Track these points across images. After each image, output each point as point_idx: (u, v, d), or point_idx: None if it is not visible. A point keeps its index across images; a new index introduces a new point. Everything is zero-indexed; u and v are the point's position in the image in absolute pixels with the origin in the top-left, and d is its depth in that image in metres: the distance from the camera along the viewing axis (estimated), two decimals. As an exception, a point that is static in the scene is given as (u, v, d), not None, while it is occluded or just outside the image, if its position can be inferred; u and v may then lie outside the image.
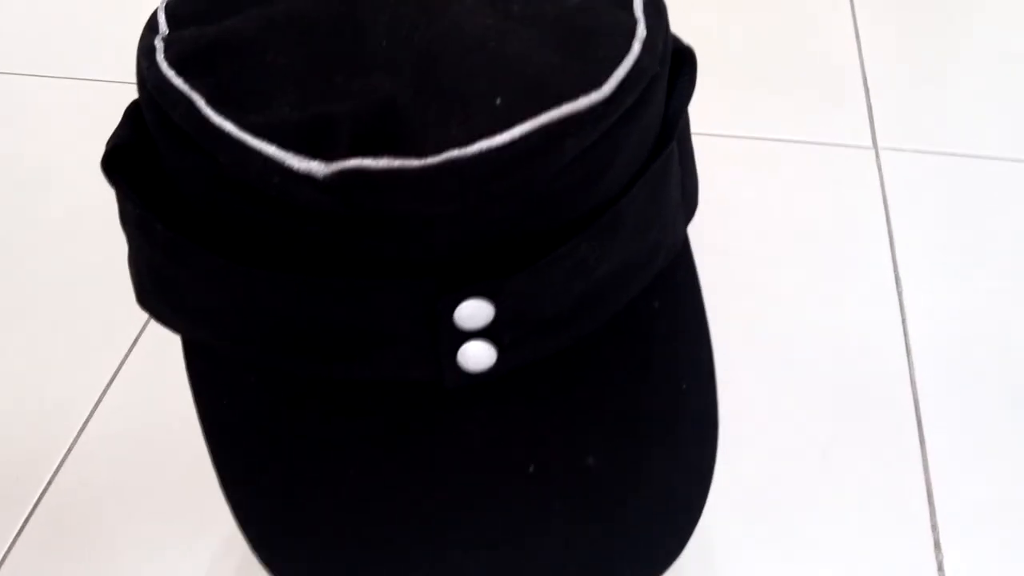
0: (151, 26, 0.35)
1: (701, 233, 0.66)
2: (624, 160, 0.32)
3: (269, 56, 0.32)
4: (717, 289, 0.62)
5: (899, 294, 0.63)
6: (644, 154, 0.34)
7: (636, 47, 0.31)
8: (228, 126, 0.28)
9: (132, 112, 0.35)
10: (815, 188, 0.71)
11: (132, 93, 0.79)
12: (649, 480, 0.34)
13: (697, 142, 0.74)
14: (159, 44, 0.32)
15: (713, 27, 0.87)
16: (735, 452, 0.53)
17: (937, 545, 0.49)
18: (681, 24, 0.87)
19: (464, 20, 0.33)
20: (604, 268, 0.33)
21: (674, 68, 0.37)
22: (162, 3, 0.36)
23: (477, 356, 0.32)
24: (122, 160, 0.33)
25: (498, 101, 0.28)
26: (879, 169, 0.72)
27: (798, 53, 0.84)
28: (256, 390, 0.34)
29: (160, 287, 0.34)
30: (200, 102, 0.29)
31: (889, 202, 0.69)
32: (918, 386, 0.57)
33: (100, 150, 0.70)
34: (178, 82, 0.30)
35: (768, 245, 0.66)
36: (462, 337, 0.31)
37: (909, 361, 0.59)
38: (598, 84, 0.29)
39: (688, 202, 0.40)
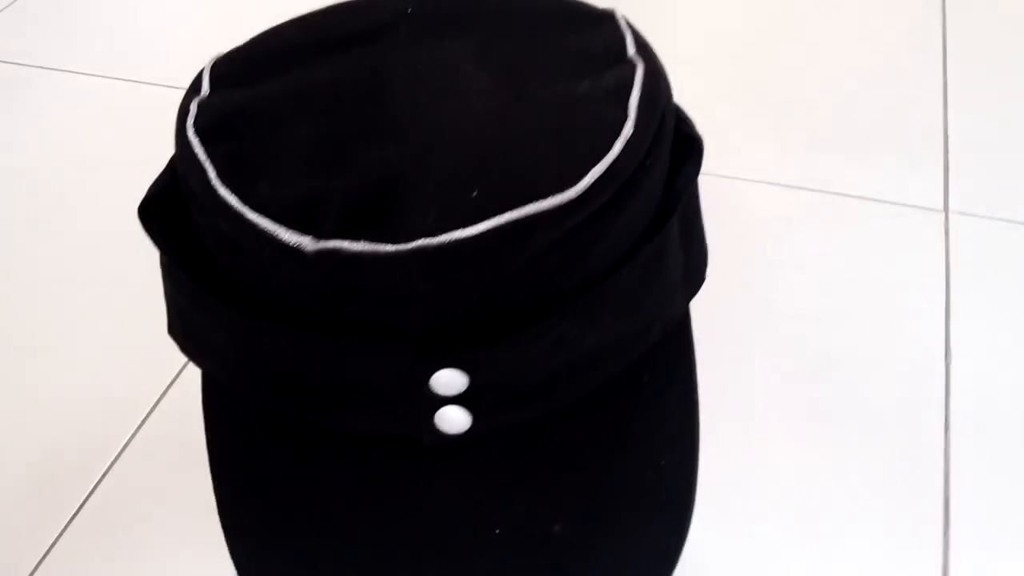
0: (195, 86, 0.38)
1: (750, 286, 0.66)
2: (611, 242, 0.34)
3: (288, 126, 0.35)
4: (758, 343, 0.62)
5: (947, 367, 0.61)
6: (637, 235, 0.35)
7: (617, 147, 0.32)
8: (231, 199, 0.31)
9: (173, 162, 0.39)
10: (876, 247, 0.70)
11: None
12: (611, 555, 0.35)
13: (758, 190, 0.74)
14: (193, 108, 0.36)
15: (794, 71, 0.87)
16: (750, 503, 0.53)
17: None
18: (760, 64, 0.87)
19: (476, 100, 0.35)
20: (589, 343, 0.35)
21: (681, 152, 0.38)
22: (211, 60, 0.40)
23: (453, 420, 0.34)
24: (158, 208, 0.37)
25: (475, 193, 0.30)
26: (946, 234, 0.71)
27: (880, 104, 0.83)
28: (254, 427, 0.37)
29: (182, 323, 0.37)
30: (212, 173, 0.32)
31: (952, 269, 0.68)
32: (952, 466, 0.56)
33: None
34: (198, 151, 0.33)
35: (817, 302, 0.65)
36: (439, 402, 0.33)
37: (946, 439, 0.58)
38: (572, 183, 0.31)
39: (693, 277, 0.41)
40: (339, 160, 0.33)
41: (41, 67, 0.91)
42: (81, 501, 0.55)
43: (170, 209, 0.38)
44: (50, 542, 0.53)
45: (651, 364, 0.38)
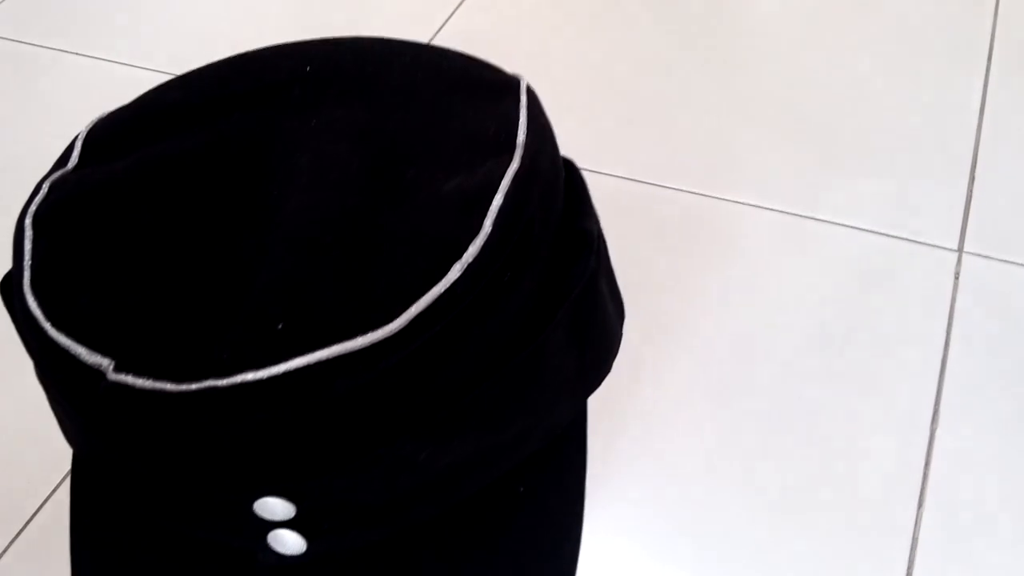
0: (64, 156, 0.37)
1: (752, 322, 0.63)
2: (464, 361, 0.32)
3: (128, 218, 0.33)
4: (740, 383, 0.59)
5: (932, 431, 0.57)
6: (505, 345, 0.33)
7: (454, 273, 0.30)
8: (36, 310, 0.30)
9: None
10: (881, 286, 0.65)
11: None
12: None
13: (770, 218, 0.70)
14: (45, 187, 0.35)
15: (819, 90, 0.81)
16: (716, 557, 0.51)
17: None
18: (781, 81, 0.81)
19: (336, 196, 0.33)
20: (442, 462, 0.33)
21: (571, 252, 0.36)
22: (89, 125, 0.39)
23: (287, 542, 0.32)
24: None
25: (280, 326, 0.29)
26: (956, 277, 0.65)
27: (907, 129, 0.77)
28: (113, 515, 0.36)
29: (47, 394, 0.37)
30: (26, 275, 0.31)
31: (956, 315, 0.63)
32: (919, 545, 0.52)
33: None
34: (27, 248, 0.32)
35: (812, 341, 0.61)
36: (268, 525, 0.32)
37: (918, 515, 0.54)
38: (388, 319, 0.29)
39: (588, 376, 0.38)
40: (159, 270, 0.32)
41: (59, 50, 0.92)
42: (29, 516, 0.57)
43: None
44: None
45: (528, 474, 0.36)
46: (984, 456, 0.56)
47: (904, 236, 0.68)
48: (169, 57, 0.90)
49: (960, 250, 0.67)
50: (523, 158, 0.34)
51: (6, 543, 0.56)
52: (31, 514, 0.57)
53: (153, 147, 0.37)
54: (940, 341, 0.61)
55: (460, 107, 0.38)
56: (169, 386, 0.28)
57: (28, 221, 0.34)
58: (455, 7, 0.92)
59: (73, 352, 0.29)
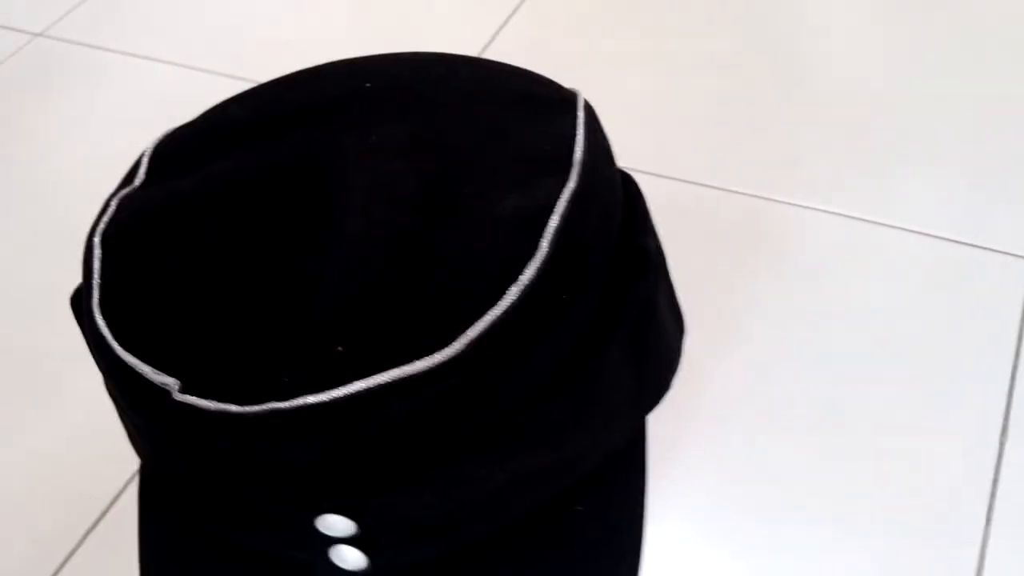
0: (131, 173, 0.38)
1: (815, 330, 0.62)
2: (522, 380, 0.32)
3: (195, 236, 0.34)
4: (799, 397, 0.58)
5: (1001, 445, 0.56)
6: (563, 364, 0.33)
7: (511, 295, 0.30)
8: (108, 335, 0.31)
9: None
10: (949, 293, 0.63)
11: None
12: None
13: (833, 222, 0.69)
14: (113, 205, 0.36)
15: (892, 98, 0.79)
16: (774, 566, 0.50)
17: None
18: (840, 79, 0.80)
19: (396, 215, 0.34)
20: (500, 479, 0.33)
21: (629, 270, 0.36)
22: (155, 140, 0.40)
23: (347, 558, 0.33)
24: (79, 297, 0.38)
25: (340, 349, 0.29)
26: (1028, 284, 0.63)
27: (973, 126, 0.75)
28: (179, 526, 0.37)
29: (115, 403, 0.38)
30: (95, 294, 0.32)
31: (1028, 329, 0.61)
32: (986, 561, 0.51)
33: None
34: (95, 268, 0.33)
35: (878, 349, 0.60)
36: (330, 540, 0.32)
37: (986, 532, 0.52)
38: (445, 342, 0.29)
39: (647, 395, 0.38)
40: (223, 290, 0.32)
41: (121, 52, 0.94)
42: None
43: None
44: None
45: (586, 493, 0.36)
46: (1056, 472, 0.54)
47: (974, 242, 0.66)
48: (232, 60, 0.91)
49: None
50: (580, 177, 0.34)
51: (79, 538, 0.57)
52: (103, 510, 0.59)
53: (217, 165, 0.37)
54: (1011, 351, 0.60)
55: (517, 124, 0.38)
56: (233, 408, 0.29)
57: (97, 240, 0.35)
58: (508, 15, 0.92)
59: (139, 371, 0.30)
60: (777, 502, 0.54)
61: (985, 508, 0.53)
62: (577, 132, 0.36)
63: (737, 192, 0.72)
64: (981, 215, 0.68)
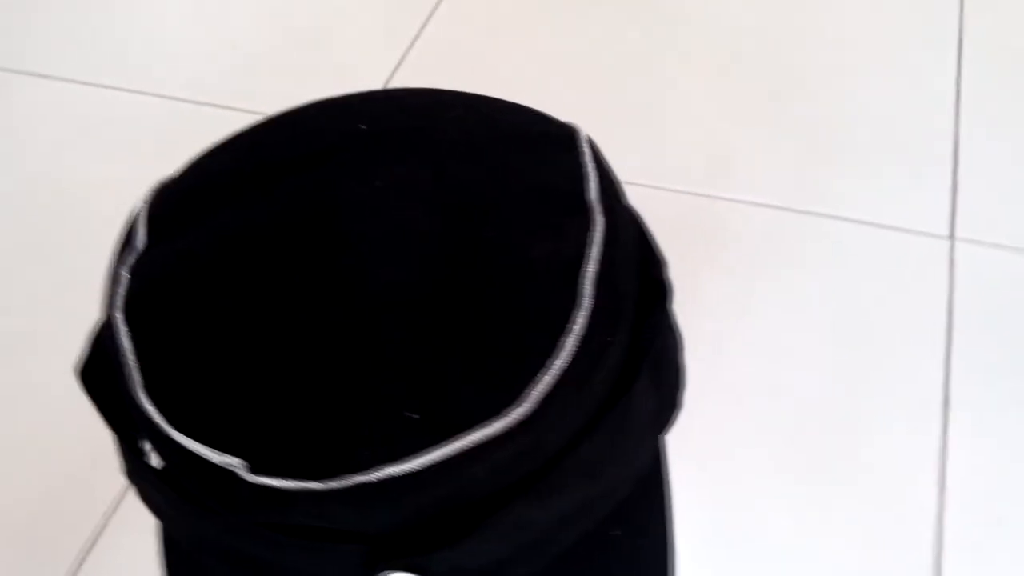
0: (130, 236, 0.36)
1: (754, 319, 0.65)
2: (566, 426, 0.33)
3: (221, 302, 0.33)
4: (740, 385, 0.61)
5: (944, 422, 0.60)
6: (594, 407, 0.34)
7: (569, 347, 0.31)
8: (160, 421, 0.30)
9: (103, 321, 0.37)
10: (875, 277, 0.67)
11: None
12: None
13: (754, 212, 0.72)
14: (125, 276, 0.34)
15: (797, 83, 0.83)
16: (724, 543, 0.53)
17: None
18: (762, 77, 0.83)
19: (426, 262, 0.34)
20: (547, 518, 0.34)
21: (648, 302, 0.37)
22: (148, 197, 0.38)
23: None
24: (96, 373, 0.36)
25: (414, 416, 0.29)
26: (951, 263, 0.68)
27: (887, 119, 0.79)
28: None
29: (136, 484, 0.37)
30: (135, 376, 0.31)
31: (955, 303, 0.66)
32: (945, 534, 0.55)
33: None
34: (126, 349, 0.32)
35: (808, 339, 0.64)
36: None
37: (941, 501, 0.57)
38: (515, 399, 0.29)
39: (664, 414, 0.39)
40: (266, 359, 0.32)
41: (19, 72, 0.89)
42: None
43: (107, 374, 0.37)
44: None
45: (620, 518, 0.37)
46: (1000, 433, 0.59)
47: (896, 226, 0.71)
48: (145, 75, 0.88)
49: (952, 237, 0.70)
50: (605, 219, 0.35)
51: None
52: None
53: (220, 220, 0.36)
54: (943, 325, 0.64)
55: (522, 161, 0.38)
56: (316, 485, 0.28)
57: (119, 316, 0.33)
58: (427, 17, 0.91)
59: (201, 455, 0.30)
60: (730, 485, 0.57)
61: (938, 474, 0.57)
62: (587, 169, 0.37)
63: (668, 189, 0.75)
64: (899, 200, 0.72)
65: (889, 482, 0.57)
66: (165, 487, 0.33)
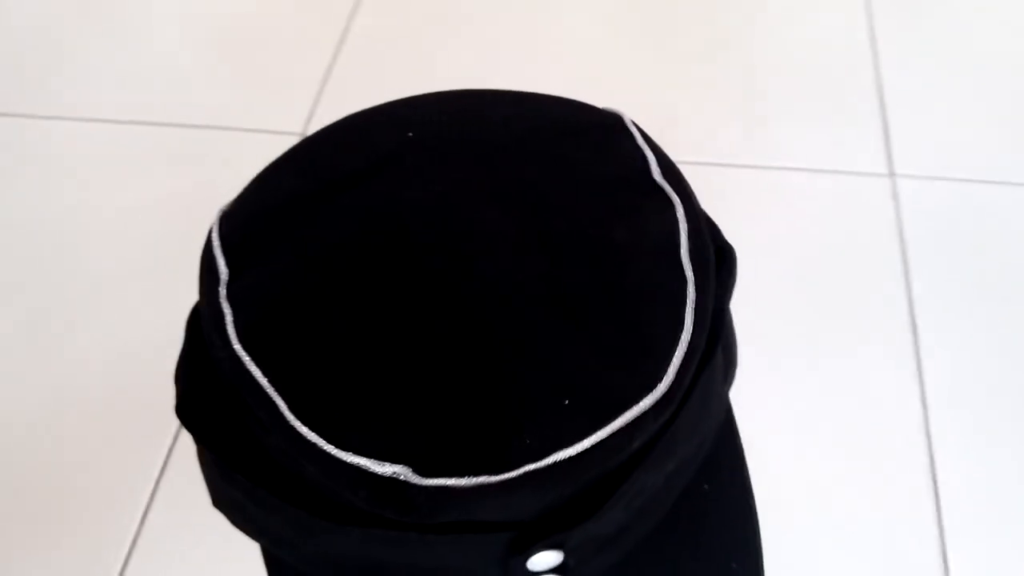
0: (210, 266, 0.36)
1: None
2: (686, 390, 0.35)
3: (335, 323, 0.33)
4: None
5: (916, 341, 0.65)
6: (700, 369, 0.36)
7: (689, 319, 0.32)
8: (318, 440, 0.30)
9: (191, 357, 0.37)
10: (827, 221, 0.72)
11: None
12: None
13: (699, 171, 0.75)
14: (227, 310, 0.34)
15: (720, 47, 0.87)
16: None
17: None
18: (688, 43, 0.87)
19: (514, 260, 0.35)
20: (658, 481, 0.36)
21: (720, 267, 0.39)
22: (216, 224, 0.38)
23: None
24: (194, 405, 0.36)
25: (566, 403, 0.30)
26: (895, 198, 0.74)
27: (809, 71, 0.84)
28: None
29: (239, 512, 0.37)
30: (283, 407, 0.31)
31: (906, 235, 0.71)
32: (933, 442, 0.60)
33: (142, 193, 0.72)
34: (260, 378, 0.32)
35: (773, 287, 0.68)
36: (531, 574, 0.34)
37: (925, 416, 0.62)
38: (657, 376, 0.31)
39: (730, 369, 0.42)
40: (401, 369, 0.32)
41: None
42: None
43: (205, 401, 0.36)
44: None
45: (708, 473, 0.40)
46: (967, 343, 0.64)
47: (838, 169, 0.76)
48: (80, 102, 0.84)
49: (892, 174, 0.75)
50: (679, 196, 0.37)
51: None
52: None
53: (297, 242, 0.36)
54: (898, 257, 0.70)
55: (577, 151, 0.39)
56: (491, 479, 0.29)
57: (238, 347, 0.33)
58: (352, 10, 0.91)
59: (365, 468, 0.30)
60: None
61: (919, 392, 0.63)
62: (644, 150, 0.39)
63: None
64: (835, 144, 0.77)
65: (874, 404, 0.62)
66: (291, 508, 0.33)
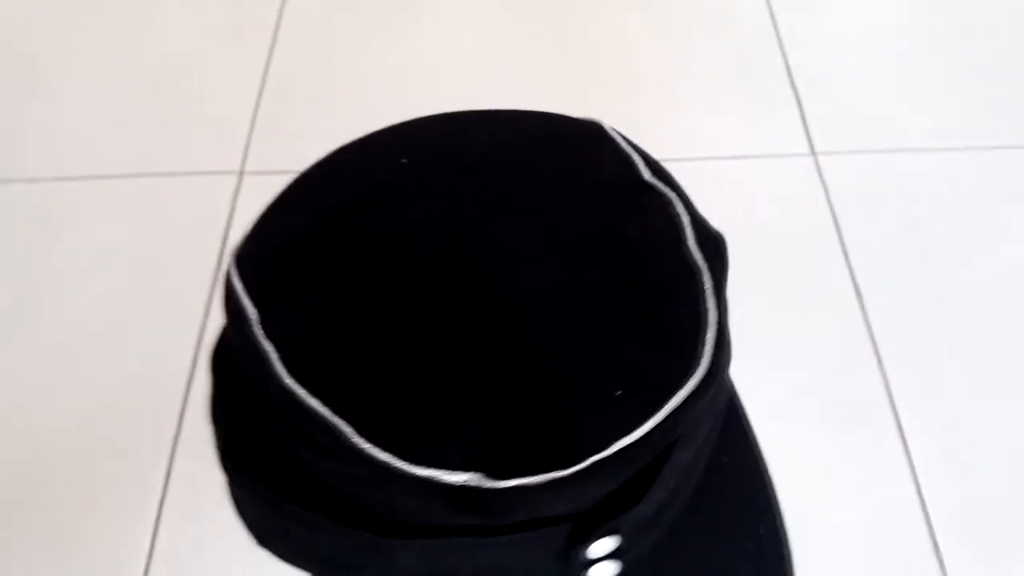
0: (234, 311, 0.36)
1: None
2: None
3: (381, 347, 0.34)
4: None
5: (861, 306, 0.70)
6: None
7: (711, 303, 0.35)
8: (389, 459, 0.31)
9: (226, 394, 0.37)
10: (760, 203, 0.76)
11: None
12: None
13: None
14: (271, 352, 0.34)
15: (632, 45, 0.90)
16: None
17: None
18: (595, 41, 0.90)
19: (539, 265, 0.36)
20: (689, 456, 0.38)
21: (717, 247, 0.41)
22: (233, 265, 0.37)
23: (603, 572, 0.36)
24: (239, 448, 0.36)
25: (618, 392, 0.32)
26: (820, 174, 0.78)
27: (719, 60, 0.88)
28: None
29: (293, 545, 0.37)
30: (349, 432, 0.32)
31: (836, 209, 0.75)
32: (892, 389, 0.65)
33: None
34: (319, 408, 0.32)
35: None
36: (589, 563, 0.36)
37: (881, 367, 0.66)
38: (695, 360, 0.33)
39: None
40: (460, 376, 0.33)
41: None
42: None
43: (249, 440, 0.37)
44: None
45: (724, 444, 0.42)
46: (908, 301, 0.69)
47: (764, 153, 0.80)
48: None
49: (813, 153, 0.80)
50: (673, 192, 0.39)
51: None
52: None
53: (319, 274, 0.36)
54: (832, 229, 0.74)
55: (565, 160, 0.41)
56: (562, 473, 0.31)
57: (290, 381, 0.33)
58: (271, 43, 0.90)
59: (438, 480, 0.31)
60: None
61: (874, 357, 0.67)
62: (629, 153, 0.41)
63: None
64: (752, 129, 0.81)
65: (835, 362, 0.66)
66: (357, 532, 0.34)
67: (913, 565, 0.57)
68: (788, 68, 0.86)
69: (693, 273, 0.36)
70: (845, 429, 0.63)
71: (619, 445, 0.32)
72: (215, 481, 0.59)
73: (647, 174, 0.40)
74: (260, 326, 0.35)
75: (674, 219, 0.38)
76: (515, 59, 0.88)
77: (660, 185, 0.40)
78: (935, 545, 0.58)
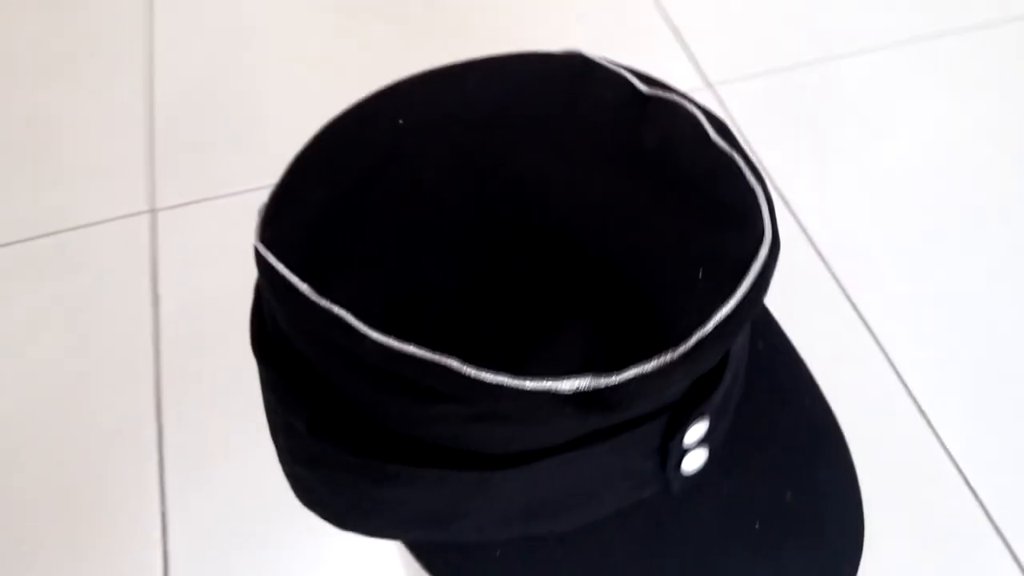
0: (286, 287, 0.34)
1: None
2: None
3: (454, 285, 0.33)
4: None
5: (792, 212, 0.74)
6: None
7: (755, 185, 0.36)
8: (504, 380, 0.31)
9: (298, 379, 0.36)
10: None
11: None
12: (830, 494, 0.41)
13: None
14: (340, 311, 0.32)
15: (495, 33, 0.92)
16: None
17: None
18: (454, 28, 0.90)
19: (590, 185, 0.36)
20: (744, 342, 0.39)
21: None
22: (264, 253, 0.35)
23: (695, 460, 0.37)
24: (328, 423, 0.35)
25: (700, 271, 0.33)
26: (722, 104, 0.82)
27: (602, 22, 0.90)
28: (503, 560, 0.37)
29: (387, 513, 0.36)
30: (456, 365, 0.31)
31: (742, 128, 0.79)
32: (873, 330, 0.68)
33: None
34: (419, 352, 0.31)
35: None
36: (684, 452, 0.36)
37: (818, 255, 0.70)
38: (761, 233, 0.34)
39: None
40: (546, 290, 0.33)
41: None
42: None
43: (328, 417, 0.36)
44: None
45: (756, 332, 0.43)
46: (839, 197, 0.73)
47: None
48: None
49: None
50: (678, 95, 0.39)
51: None
52: None
53: (363, 238, 0.35)
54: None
55: (562, 89, 0.40)
56: (673, 354, 0.31)
57: (379, 337, 0.32)
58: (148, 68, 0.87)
59: (555, 390, 0.31)
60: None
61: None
62: (620, 72, 0.41)
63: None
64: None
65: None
66: (464, 471, 0.34)
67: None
68: (668, 18, 0.89)
69: (729, 159, 0.37)
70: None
71: (717, 318, 0.32)
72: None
73: (644, 87, 0.41)
74: (320, 295, 0.34)
75: (692, 118, 0.39)
76: (406, 52, 0.88)
77: (660, 92, 0.40)
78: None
